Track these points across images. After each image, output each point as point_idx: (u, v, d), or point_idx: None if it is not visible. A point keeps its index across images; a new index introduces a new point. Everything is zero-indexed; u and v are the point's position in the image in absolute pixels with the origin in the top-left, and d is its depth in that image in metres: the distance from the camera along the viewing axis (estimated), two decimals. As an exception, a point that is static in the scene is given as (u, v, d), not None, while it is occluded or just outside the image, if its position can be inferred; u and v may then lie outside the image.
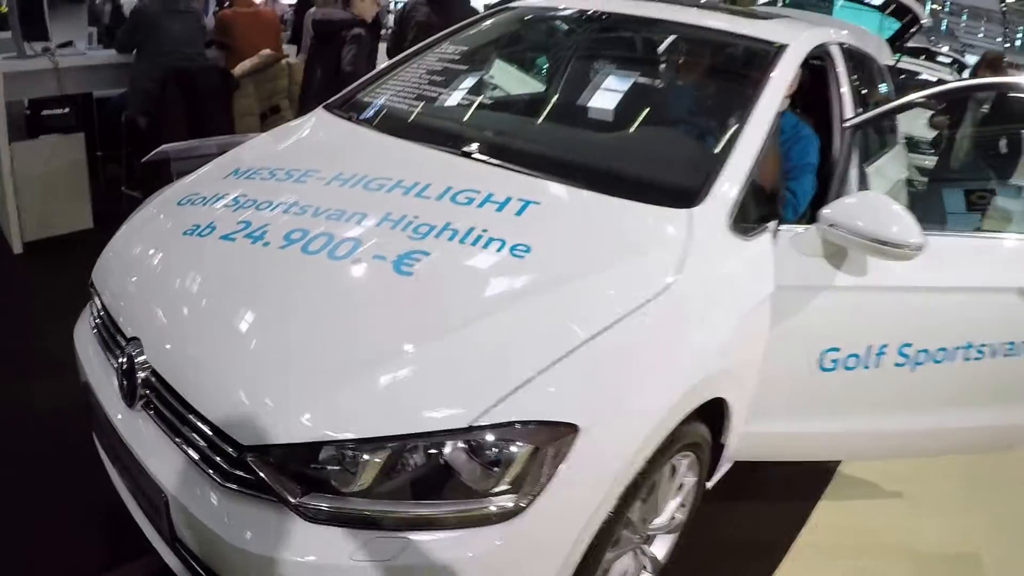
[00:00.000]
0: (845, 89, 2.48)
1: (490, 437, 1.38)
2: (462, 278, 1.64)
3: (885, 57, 3.64)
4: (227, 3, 5.17)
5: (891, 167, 3.29)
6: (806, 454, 2.46)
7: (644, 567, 2.00)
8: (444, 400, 1.41)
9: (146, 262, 1.90)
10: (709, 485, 2.22)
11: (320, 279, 1.65)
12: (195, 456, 1.51)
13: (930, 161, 4.95)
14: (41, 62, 4.06)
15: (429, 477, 1.39)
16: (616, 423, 1.51)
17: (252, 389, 1.46)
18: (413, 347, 1.48)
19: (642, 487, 1.66)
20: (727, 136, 2.03)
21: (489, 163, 2.08)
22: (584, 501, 1.49)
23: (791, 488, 2.76)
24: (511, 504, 1.39)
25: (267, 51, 4.59)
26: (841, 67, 2.55)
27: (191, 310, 1.68)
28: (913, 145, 5.26)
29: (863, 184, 2.59)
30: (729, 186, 1.91)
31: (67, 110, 4.13)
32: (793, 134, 2.47)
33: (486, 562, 1.39)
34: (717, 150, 2.01)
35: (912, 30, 4.12)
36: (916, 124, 5.16)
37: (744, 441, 2.18)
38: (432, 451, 1.38)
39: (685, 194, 1.89)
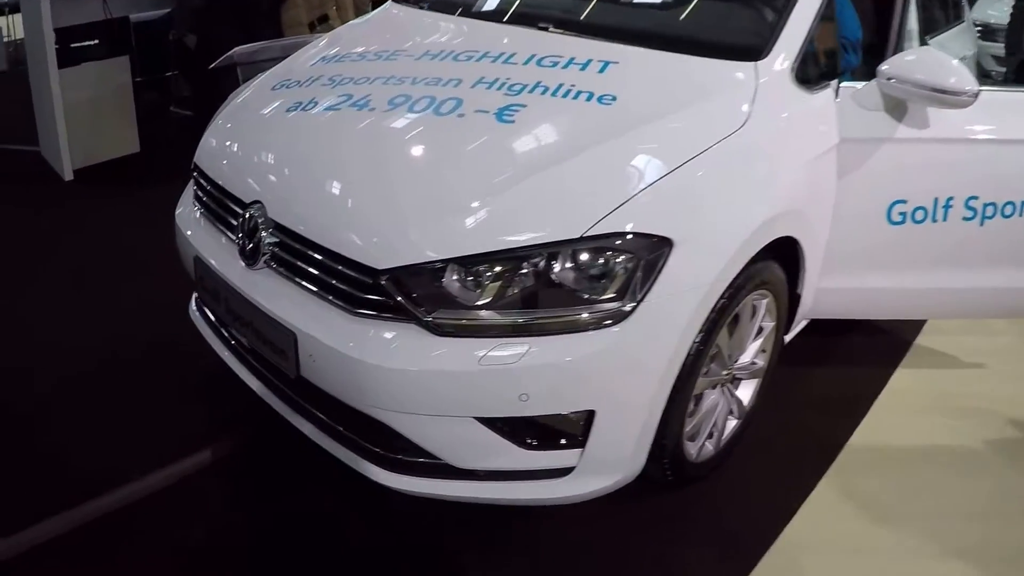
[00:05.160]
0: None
1: (597, 248, 1.76)
2: (560, 122, 2.02)
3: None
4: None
5: (955, 44, 3.59)
6: (877, 311, 2.81)
7: (731, 411, 2.38)
8: (556, 217, 1.78)
9: (256, 138, 2.30)
10: (787, 338, 2.59)
11: (430, 129, 2.03)
12: (326, 293, 1.89)
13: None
14: (84, -14, 4.46)
15: (545, 288, 1.76)
16: (705, 240, 1.88)
17: (382, 221, 1.84)
18: (523, 176, 1.85)
19: (727, 312, 2.03)
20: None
21: (567, 35, 2.44)
22: (680, 311, 1.86)
23: (870, 355, 3.13)
24: (617, 310, 1.77)
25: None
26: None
27: (313, 168, 2.07)
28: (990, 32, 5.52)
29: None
30: (791, 41, 2.24)
31: (96, 41, 4.53)
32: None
33: (597, 362, 1.77)
34: (780, 10, 2.32)
35: None
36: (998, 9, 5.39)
37: (819, 296, 2.55)
38: (547, 263, 1.75)
39: (752, 49, 2.23)
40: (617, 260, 1.77)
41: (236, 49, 3.40)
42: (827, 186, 2.36)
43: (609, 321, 1.76)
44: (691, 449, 2.21)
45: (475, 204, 1.82)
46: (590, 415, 1.83)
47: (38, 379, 2.74)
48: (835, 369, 3.02)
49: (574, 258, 1.76)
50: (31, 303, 3.24)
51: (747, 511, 2.31)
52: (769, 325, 2.37)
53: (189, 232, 2.36)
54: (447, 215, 1.81)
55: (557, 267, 1.76)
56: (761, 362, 2.42)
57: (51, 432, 2.49)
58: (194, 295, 2.60)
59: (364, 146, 2.06)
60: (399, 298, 1.77)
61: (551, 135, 1.98)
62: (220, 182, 2.24)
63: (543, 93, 2.09)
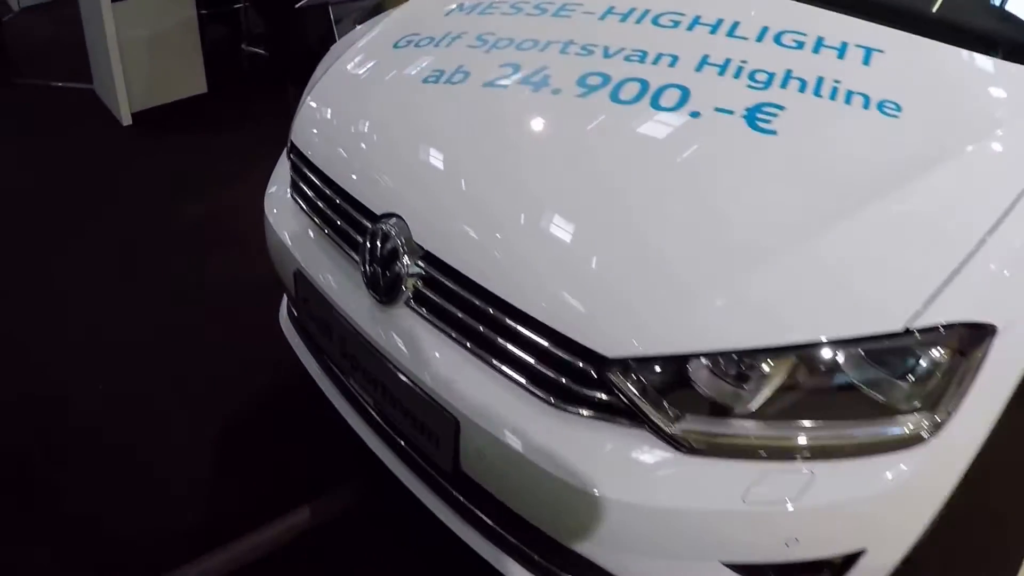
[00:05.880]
0: None
1: (915, 342, 1.18)
2: (838, 140, 1.40)
3: None
4: None
5: None
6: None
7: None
8: (863, 297, 1.20)
9: (383, 119, 1.70)
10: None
11: (656, 135, 1.42)
12: (509, 368, 1.32)
13: None
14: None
15: (835, 394, 1.19)
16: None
17: (614, 288, 1.24)
18: (810, 229, 1.25)
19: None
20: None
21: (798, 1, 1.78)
22: (987, 415, 1.31)
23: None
24: (928, 422, 1.20)
25: None
26: None
27: (481, 177, 1.46)
28: None
29: None
30: None
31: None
32: None
33: (895, 494, 1.21)
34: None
35: None
36: None
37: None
38: (840, 360, 1.18)
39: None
40: (933, 358, 1.19)
41: (325, -12, 2.79)
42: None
43: (922, 437, 1.20)
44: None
45: (749, 270, 1.22)
46: (857, 554, 1.28)
47: (78, 393, 2.21)
48: None
49: (877, 355, 1.18)
50: (72, 285, 2.68)
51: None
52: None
53: (286, 233, 1.79)
54: (711, 286, 1.22)
55: (853, 365, 1.18)
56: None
57: (87, 475, 1.97)
58: (285, 300, 2.05)
59: (561, 153, 1.45)
60: (634, 399, 1.20)
61: (831, 161, 1.36)
62: (333, 177, 1.65)
63: (801, 89, 1.47)
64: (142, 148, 3.60)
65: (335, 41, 3.49)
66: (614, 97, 1.48)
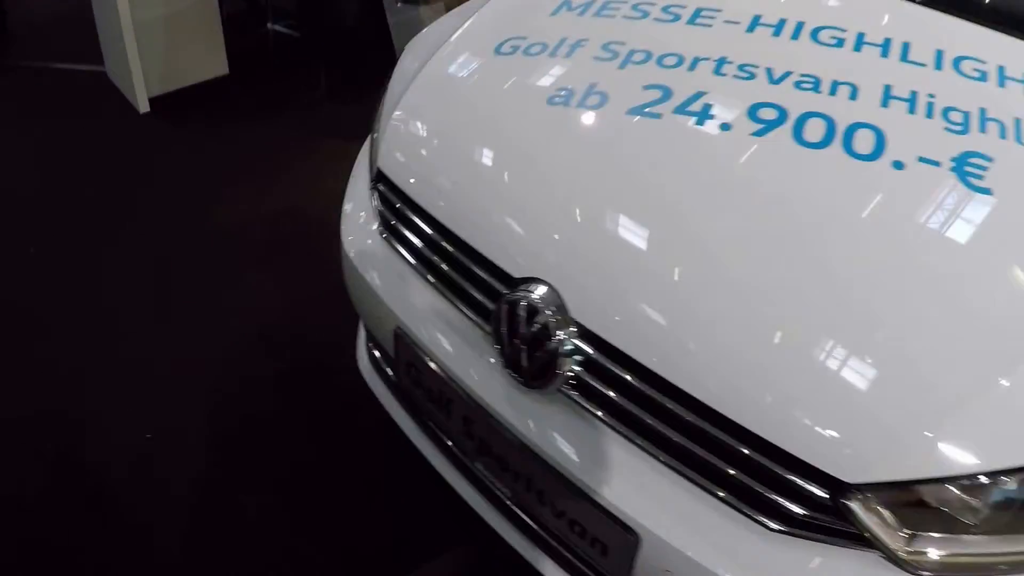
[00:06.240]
0: None
1: None
2: None
3: None
4: None
5: None
6: None
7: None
8: None
9: (508, 152, 1.47)
10: None
11: (858, 193, 1.21)
12: (707, 481, 1.13)
13: None
14: None
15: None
16: None
17: (850, 394, 1.05)
18: None
19: None
20: None
21: (955, 17, 1.58)
22: None
23: None
24: None
25: None
26: None
27: (657, 237, 1.24)
28: None
29: None
30: None
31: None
32: None
33: None
34: None
35: None
36: None
37: None
38: None
39: None
40: None
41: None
42: None
43: None
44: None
45: (1007, 375, 1.04)
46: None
47: (105, 433, 2.02)
48: None
49: None
50: (85, 296, 2.46)
51: None
52: None
53: (376, 277, 1.56)
54: (970, 397, 1.03)
55: None
56: None
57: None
58: (363, 337, 1.85)
59: (755, 213, 1.23)
60: (869, 524, 1.04)
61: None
62: (449, 226, 1.41)
63: (1001, 135, 1.28)
64: (161, 139, 3.34)
65: (386, 20, 3.26)
66: (798, 137, 1.29)
